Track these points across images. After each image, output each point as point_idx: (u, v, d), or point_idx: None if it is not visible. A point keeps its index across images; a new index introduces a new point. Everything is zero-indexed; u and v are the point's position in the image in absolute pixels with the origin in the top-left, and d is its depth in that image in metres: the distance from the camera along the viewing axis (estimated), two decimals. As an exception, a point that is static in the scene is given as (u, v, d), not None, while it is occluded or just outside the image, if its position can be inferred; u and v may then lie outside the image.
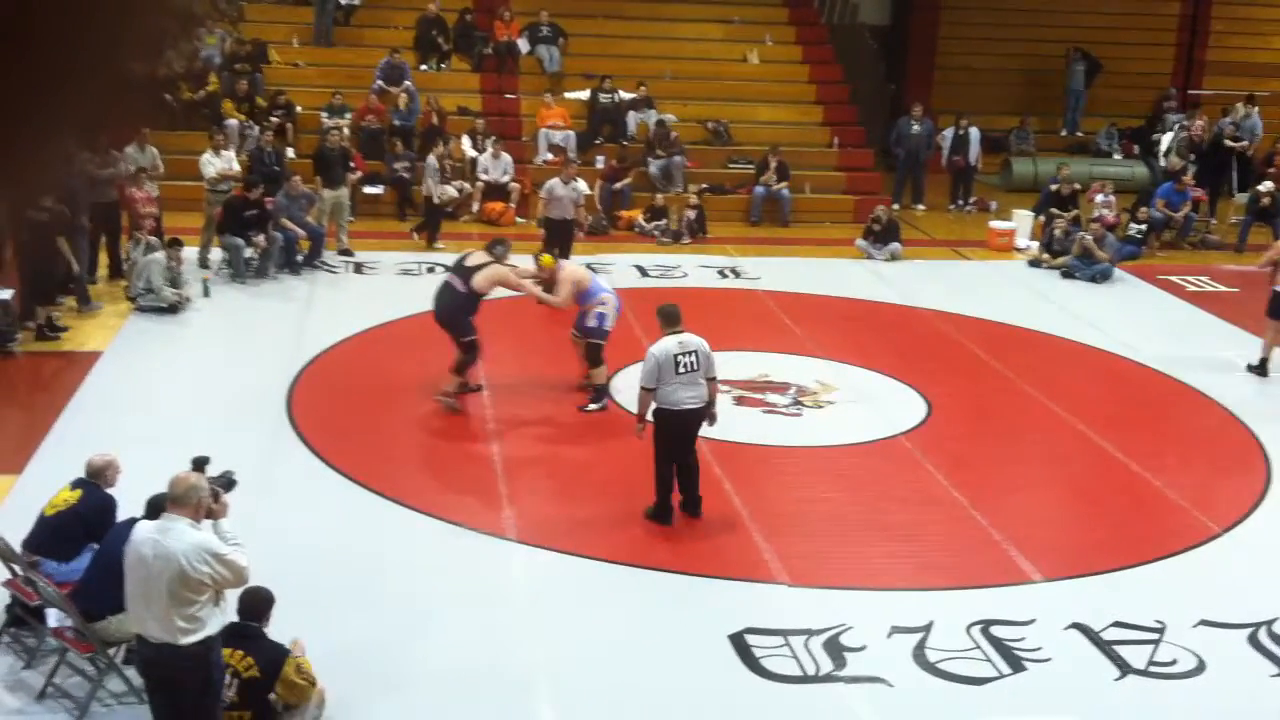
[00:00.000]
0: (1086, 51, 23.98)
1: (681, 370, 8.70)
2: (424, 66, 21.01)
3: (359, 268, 15.73)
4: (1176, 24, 25.74)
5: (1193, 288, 16.58)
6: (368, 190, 18.21)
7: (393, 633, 7.39)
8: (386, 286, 14.96)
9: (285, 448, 10.04)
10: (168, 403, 10.79)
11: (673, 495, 8.94)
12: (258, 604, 6.17)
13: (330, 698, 6.48)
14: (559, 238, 14.74)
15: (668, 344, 8.75)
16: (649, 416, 8.90)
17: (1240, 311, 15.33)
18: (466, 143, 19.40)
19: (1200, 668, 7.38)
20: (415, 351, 12.27)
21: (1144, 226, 18.14)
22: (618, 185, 18.75)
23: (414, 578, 8.10)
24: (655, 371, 8.67)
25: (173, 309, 13.33)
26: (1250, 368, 13.06)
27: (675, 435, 8.83)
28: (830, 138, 21.53)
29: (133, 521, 6.08)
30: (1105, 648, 7.56)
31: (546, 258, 11.30)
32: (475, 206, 18.60)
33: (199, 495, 5.67)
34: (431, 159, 17.01)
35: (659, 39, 22.56)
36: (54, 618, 6.73)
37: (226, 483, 6.29)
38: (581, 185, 15.53)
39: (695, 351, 8.77)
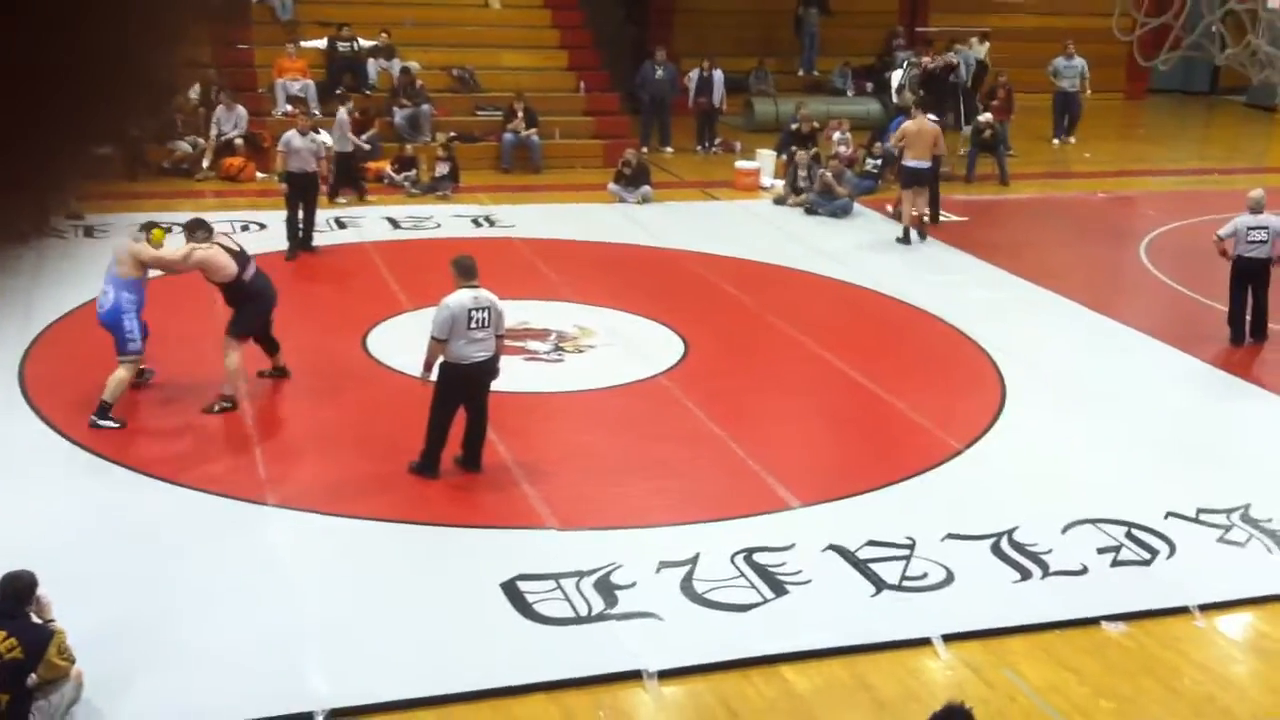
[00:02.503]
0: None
1: (473, 325, 8.64)
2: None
3: (90, 231, 14.91)
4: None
5: (927, 218, 17.33)
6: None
7: (151, 609, 7.13)
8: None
9: (22, 425, 9.50)
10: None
11: (444, 449, 8.87)
12: (20, 587, 5.92)
13: (89, 679, 6.23)
14: (301, 191, 14.32)
15: (462, 297, 8.66)
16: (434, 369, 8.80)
17: (969, 239, 16.15)
18: (194, 95, 18.57)
19: (949, 579, 7.82)
20: (155, 316, 11.76)
21: (879, 161, 18.84)
22: (364, 136, 18.31)
23: (171, 552, 7.82)
24: (448, 323, 8.57)
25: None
26: (898, 239, 15.48)
27: (460, 389, 8.78)
28: (576, 82, 21.54)
29: None
30: (861, 566, 7.92)
31: (158, 231, 10.14)
32: (207, 162, 17.88)
33: None
34: (341, 112, 16.93)
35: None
36: None
37: None
38: (322, 136, 15.09)
39: (489, 307, 8.74)
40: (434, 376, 8.85)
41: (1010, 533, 8.35)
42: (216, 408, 9.82)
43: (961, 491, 9.10)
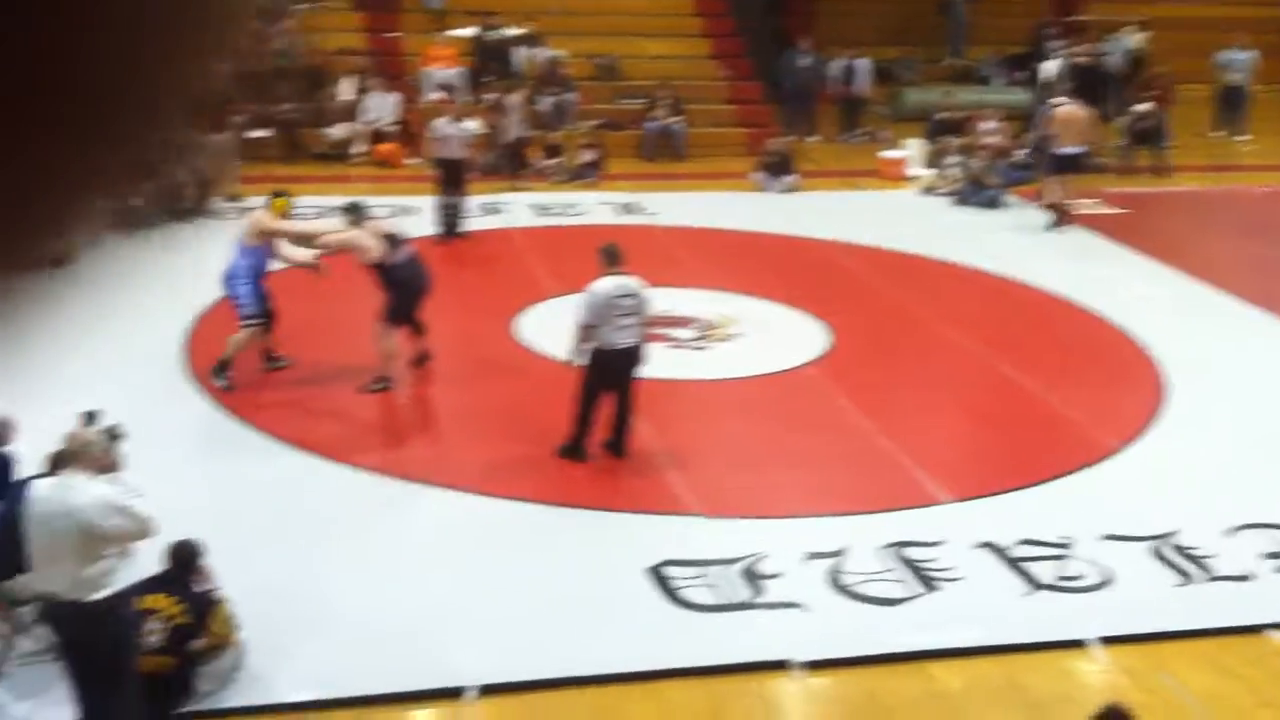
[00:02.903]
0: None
1: (621, 311, 8.67)
2: (302, 4, 20.45)
3: (248, 213, 15.32)
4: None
5: (1083, 210, 16.89)
6: (252, 134, 17.73)
7: (309, 582, 7.29)
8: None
9: (184, 399, 9.81)
10: (61, 357, 10.44)
11: (592, 434, 8.91)
12: (187, 556, 6.11)
13: (249, 647, 6.41)
14: (450, 178, 14.53)
15: (610, 283, 8.71)
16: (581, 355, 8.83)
17: (1129, 231, 15.70)
18: (349, 83, 19.00)
19: (1106, 581, 7.60)
20: (312, 298, 12.04)
21: (1030, 151, 18.40)
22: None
23: (324, 524, 8.00)
24: (597, 309, 8.61)
25: (57, 261, 12.82)
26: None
27: (607, 375, 8.81)
28: (719, 71, 21.48)
29: (30, 480, 5.91)
30: (1014, 565, 7.74)
31: (280, 200, 10.40)
32: (360, 148, 18.26)
33: (95, 449, 5.55)
34: (512, 97, 17.29)
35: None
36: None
37: (113, 435, 6.14)
38: (470, 124, 15.27)
39: (635, 294, 8.77)
40: (581, 362, 8.88)
41: (1171, 535, 8.08)
42: (373, 388, 9.99)
43: (1120, 491, 8.84)
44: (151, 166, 0.66)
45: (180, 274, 12.91)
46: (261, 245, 10.09)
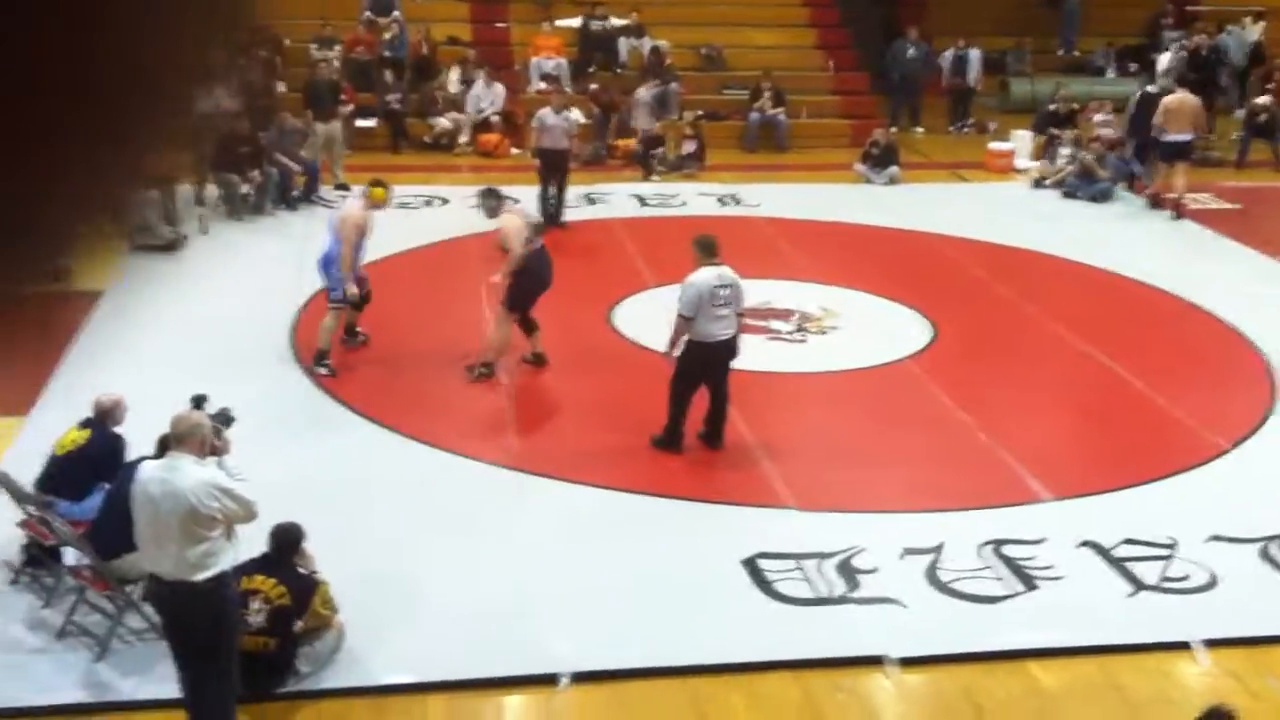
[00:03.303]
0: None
1: (718, 302, 8.65)
2: (412, -4, 20.73)
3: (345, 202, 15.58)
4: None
5: (1195, 205, 16.49)
6: (360, 124, 18.02)
7: (406, 565, 7.40)
8: (384, 220, 14.79)
9: (292, 383, 10.02)
10: (171, 340, 10.73)
11: (686, 426, 8.91)
12: (288, 539, 6.23)
13: (348, 629, 6.53)
14: (552, 168, 14.61)
15: (707, 275, 8.66)
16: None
17: (1242, 227, 15.29)
18: (455, 74, 19.21)
19: (1213, 582, 7.42)
20: (414, 285, 12.23)
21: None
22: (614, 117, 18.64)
23: (426, 511, 8.11)
24: (696, 301, 8.58)
25: (170, 247, 13.23)
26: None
27: (703, 366, 8.79)
28: (825, 61, 21.32)
29: (141, 460, 6.07)
30: (1117, 564, 7.60)
31: (378, 190, 10.43)
32: (465, 138, 18.45)
33: (202, 432, 5.67)
34: (642, 91, 17.41)
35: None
36: (70, 556, 6.75)
37: (225, 419, 6.28)
38: (574, 114, 15.33)
39: (732, 285, 8.73)
40: (677, 353, 8.88)
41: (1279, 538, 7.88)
42: (475, 373, 10.09)
43: (1227, 492, 8.62)
44: (157, 165, 0.62)
45: (288, 260, 13.21)
46: (356, 235, 10.18)
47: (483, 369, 10.12)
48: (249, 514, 5.69)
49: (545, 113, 14.84)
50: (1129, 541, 7.82)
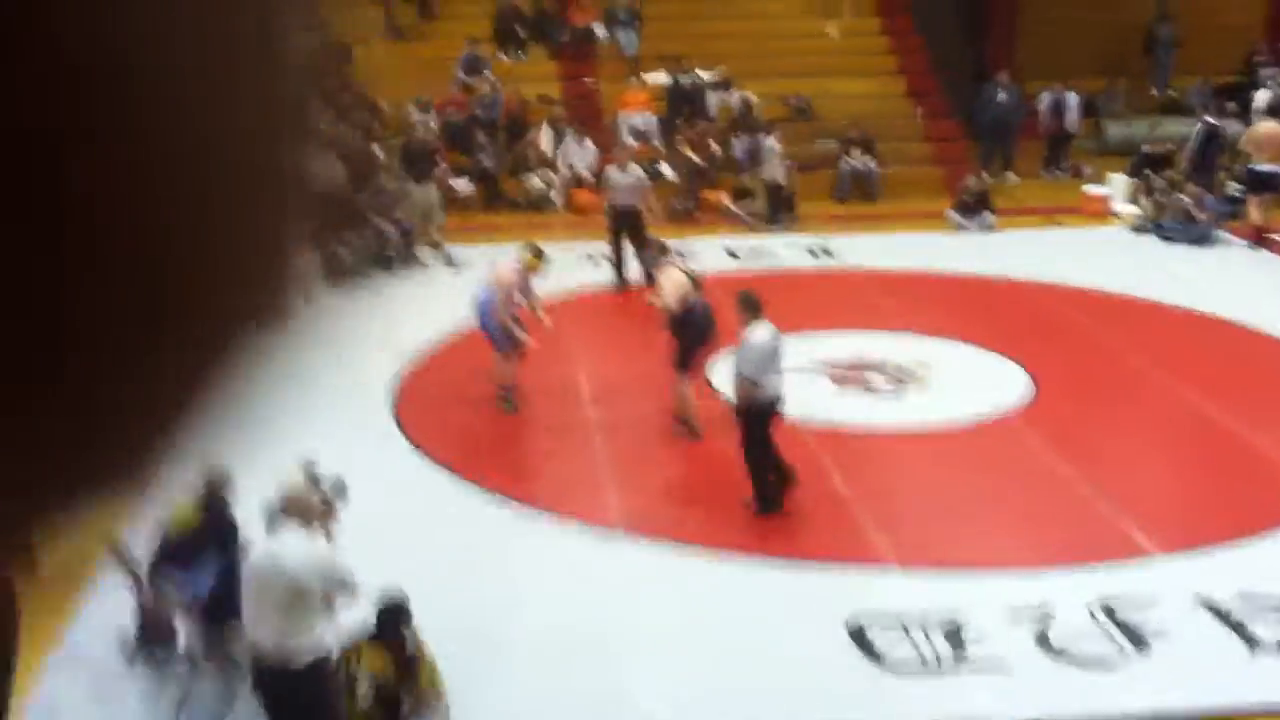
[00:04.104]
0: (1167, 12, 23.34)
1: (779, 359, 8.66)
2: (502, 56, 21.07)
3: (451, 262, 15.82)
4: (1267, -27, 24.98)
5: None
6: (454, 183, 18.28)
7: (511, 638, 7.42)
8: (479, 281, 15.01)
9: (394, 448, 10.15)
10: (277, 407, 10.91)
11: (775, 481, 8.87)
12: (396, 611, 6.20)
13: (454, 707, 6.55)
14: (623, 226, 14.59)
15: (765, 332, 8.67)
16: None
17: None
18: (547, 132, 19.45)
19: (1334, 643, 7.21)
20: (582, 340, 12.33)
21: (1243, 186, 17.67)
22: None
23: (528, 574, 8.14)
24: (761, 361, 8.58)
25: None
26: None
27: (771, 424, 8.75)
28: (914, 109, 21.25)
29: (246, 533, 6.15)
30: (1233, 623, 7.40)
31: (531, 256, 10.86)
32: (559, 196, 18.64)
33: (306, 505, 5.69)
34: (770, 141, 17.69)
35: (737, 18, 22.39)
36: (184, 631, 6.85)
37: (338, 489, 6.32)
38: (637, 170, 15.20)
39: (782, 340, 8.79)
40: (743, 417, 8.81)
41: (1406, 595, 7.62)
42: (683, 432, 10.18)
43: (1345, 546, 8.38)
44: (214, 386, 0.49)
45: (389, 323, 13.42)
46: (508, 292, 10.57)
47: (687, 429, 10.18)
48: (352, 593, 5.71)
49: (610, 170, 14.96)
50: (1244, 598, 7.62)
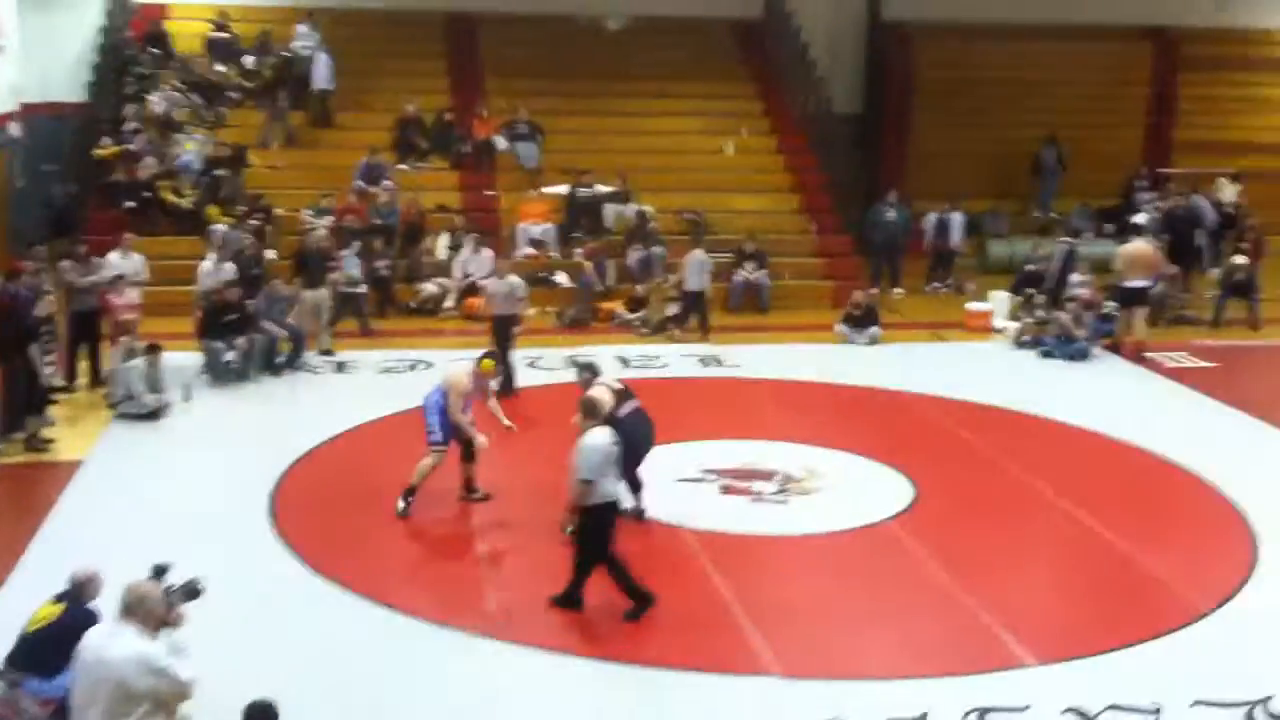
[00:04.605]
0: (1054, 138, 24.31)
1: (614, 461, 8.86)
2: (403, 166, 21.20)
3: (340, 367, 15.73)
4: (1145, 105, 26.12)
5: (1171, 363, 16.68)
6: (346, 290, 18.19)
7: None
8: (369, 385, 14.95)
9: (268, 552, 9.95)
10: (151, 510, 10.70)
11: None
12: (262, 716, 6.03)
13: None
14: (499, 334, 14.72)
15: (603, 436, 8.86)
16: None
17: (1219, 385, 15.44)
18: (444, 240, 19.53)
19: (1198, 749, 7.31)
20: (397, 450, 12.24)
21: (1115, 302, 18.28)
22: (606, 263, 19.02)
23: (398, 680, 7.99)
24: (601, 463, 8.70)
25: (153, 415, 13.28)
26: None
27: (610, 526, 8.88)
28: (808, 224, 21.74)
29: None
30: (1102, 732, 7.49)
31: (487, 362, 11.10)
32: (450, 301, 18.67)
33: (149, 605, 5.59)
34: (698, 254, 18.07)
35: (636, 134, 22.84)
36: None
37: (189, 591, 6.15)
38: (514, 280, 15.30)
39: (618, 442, 8.96)
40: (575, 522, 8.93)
41: (1265, 701, 7.76)
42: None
43: (1211, 655, 8.54)
44: None
45: (273, 427, 13.26)
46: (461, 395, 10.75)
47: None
48: (183, 694, 5.58)
49: (490, 280, 15.13)
50: (1114, 708, 7.72)
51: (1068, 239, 19.74)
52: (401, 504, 10.65)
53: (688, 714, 7.69)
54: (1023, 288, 18.75)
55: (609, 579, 8.88)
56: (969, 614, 9.10)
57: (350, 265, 17.90)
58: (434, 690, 7.88)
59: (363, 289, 17.81)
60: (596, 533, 8.83)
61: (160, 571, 6.12)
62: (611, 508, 8.87)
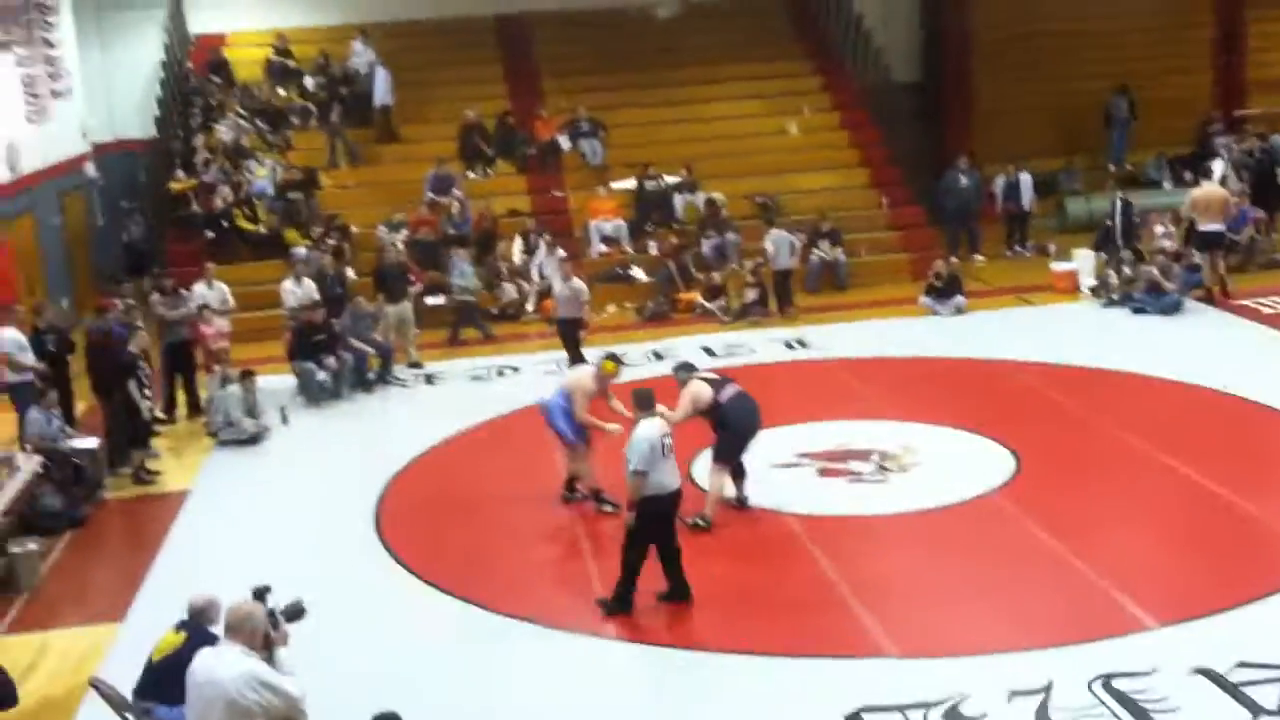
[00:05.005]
0: (1125, 87, 23.84)
1: (666, 453, 8.80)
2: (470, 174, 21.31)
3: (430, 379, 15.86)
4: (1212, 47, 25.55)
5: (1268, 309, 16.31)
6: (429, 301, 18.36)
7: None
8: (459, 394, 15.07)
9: (377, 566, 10.06)
10: (259, 533, 10.87)
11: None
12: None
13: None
14: (565, 337, 14.86)
15: (653, 427, 8.83)
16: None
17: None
18: (519, 244, 19.61)
19: (1338, 702, 7.15)
20: (497, 457, 12.33)
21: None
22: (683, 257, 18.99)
23: (514, 686, 8.03)
24: (650, 454, 8.68)
25: (253, 440, 13.50)
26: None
27: (661, 519, 8.84)
28: (879, 199, 21.54)
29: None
30: (1234, 691, 7.34)
31: (608, 363, 11.01)
32: (531, 305, 18.75)
33: (253, 624, 5.74)
34: (782, 233, 18.23)
35: (696, 120, 22.76)
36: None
37: (293, 611, 6.24)
38: (577, 284, 15.32)
39: (669, 433, 8.96)
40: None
41: (1404, 649, 7.58)
42: (691, 523, 10.08)
43: (1341, 604, 8.35)
44: None
45: (371, 442, 13.41)
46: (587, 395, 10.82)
47: (699, 520, 10.20)
48: (292, 708, 5.67)
49: (554, 282, 15.22)
50: (1243, 665, 7.56)
51: (1121, 194, 19.32)
52: (606, 507, 10.70)
53: (809, 699, 7.63)
54: (1106, 244, 18.45)
55: (625, 561, 8.83)
56: (1084, 580, 8.97)
57: (461, 274, 18.15)
58: (551, 696, 7.91)
59: (474, 298, 18.07)
60: (647, 529, 8.78)
61: (261, 593, 6.20)
62: (666, 498, 8.82)
